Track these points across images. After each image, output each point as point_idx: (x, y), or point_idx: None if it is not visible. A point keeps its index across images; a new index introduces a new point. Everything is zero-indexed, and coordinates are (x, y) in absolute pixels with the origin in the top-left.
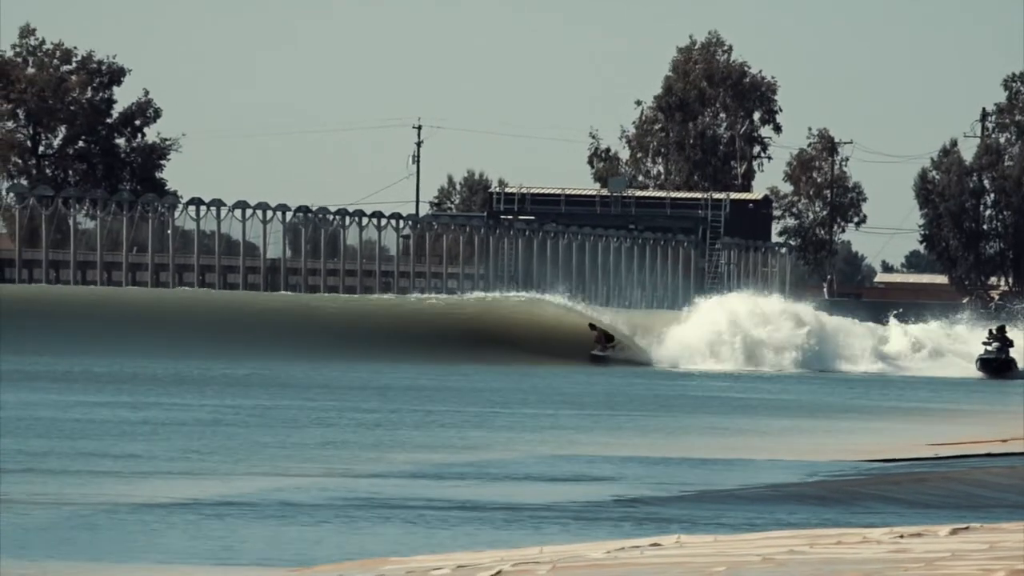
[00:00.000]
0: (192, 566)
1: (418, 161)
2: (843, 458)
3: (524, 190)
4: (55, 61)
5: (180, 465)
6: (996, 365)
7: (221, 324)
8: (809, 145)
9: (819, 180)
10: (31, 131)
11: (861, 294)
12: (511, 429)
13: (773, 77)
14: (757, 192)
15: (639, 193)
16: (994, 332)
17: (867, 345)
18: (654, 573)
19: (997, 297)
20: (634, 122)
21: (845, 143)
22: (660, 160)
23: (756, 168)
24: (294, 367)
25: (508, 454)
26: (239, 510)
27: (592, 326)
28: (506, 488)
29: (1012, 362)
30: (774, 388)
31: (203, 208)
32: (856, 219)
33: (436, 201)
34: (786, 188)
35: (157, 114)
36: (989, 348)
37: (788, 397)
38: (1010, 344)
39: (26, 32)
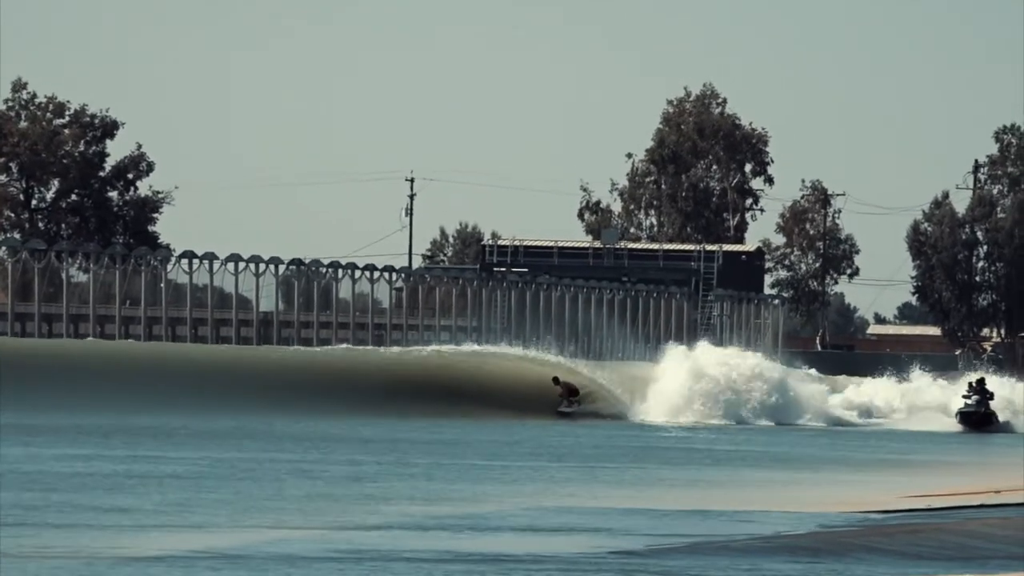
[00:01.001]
0: None
1: (411, 214)
2: (834, 509)
3: (517, 242)
4: (48, 115)
5: (170, 518)
6: (976, 418)
7: (213, 377)
8: (802, 197)
9: (812, 232)
10: (24, 184)
11: (854, 346)
12: (500, 482)
13: (764, 129)
14: (750, 244)
15: (632, 245)
16: (974, 384)
17: (829, 399)
18: None
19: (990, 349)
20: (627, 174)
21: (838, 195)
22: (653, 212)
23: (749, 220)
24: (284, 420)
25: (499, 506)
26: (232, 563)
27: (556, 380)
28: (500, 540)
29: (992, 415)
30: (758, 440)
31: (196, 261)
32: (849, 271)
33: (429, 254)
34: (779, 240)
35: (150, 167)
36: (969, 401)
37: (776, 449)
38: (990, 396)
39: (19, 86)
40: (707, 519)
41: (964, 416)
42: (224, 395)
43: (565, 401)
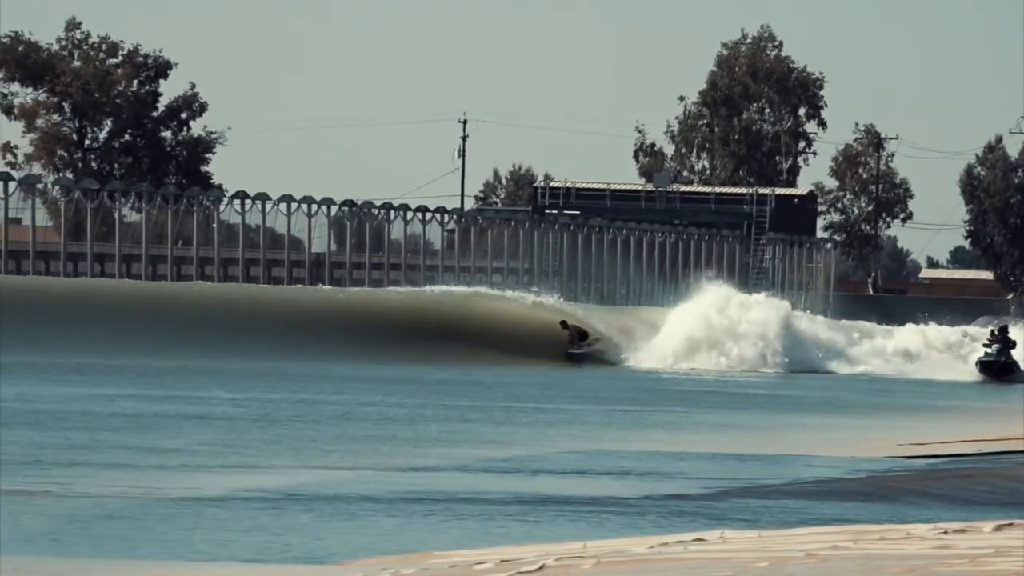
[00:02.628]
0: (232, 562)
1: (463, 155)
2: (884, 454)
3: (569, 184)
4: (101, 54)
5: (218, 459)
6: (996, 368)
7: (262, 318)
8: (855, 140)
9: (865, 176)
10: (77, 124)
11: (906, 290)
12: (536, 425)
13: (819, 72)
14: (802, 187)
15: (684, 188)
16: (996, 333)
17: (850, 347)
18: (698, 568)
19: None
20: (678, 117)
21: (891, 139)
22: (705, 155)
23: (801, 163)
24: (333, 361)
25: (540, 449)
26: (278, 505)
27: (564, 324)
28: (544, 483)
29: (1013, 364)
30: (788, 385)
31: (248, 202)
32: (902, 215)
33: (481, 195)
34: (831, 183)
35: (203, 108)
36: (989, 350)
37: (812, 394)
38: (1012, 345)
39: (72, 25)
40: (753, 463)
41: (984, 365)
42: (271, 335)
43: (575, 344)
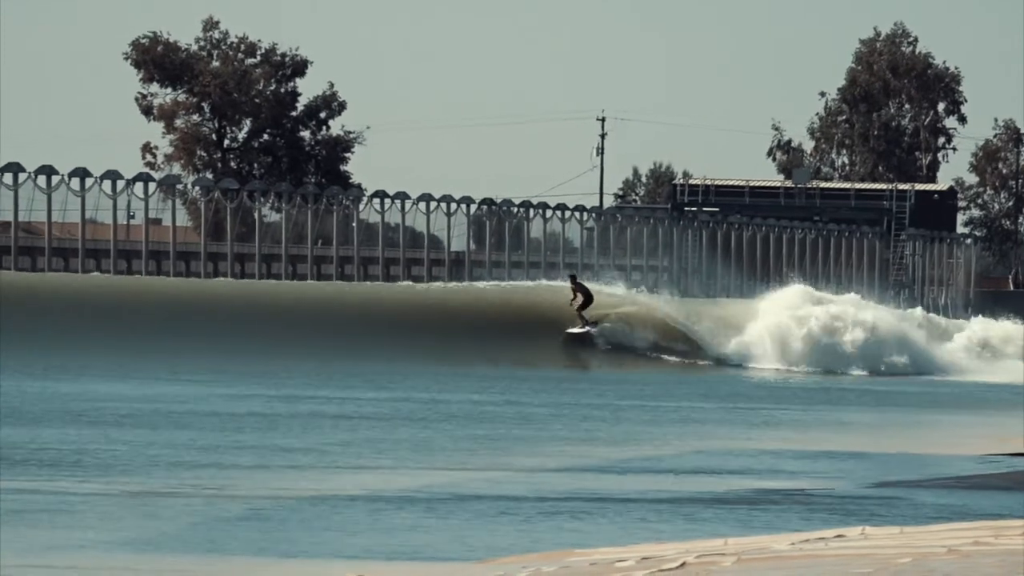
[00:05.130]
0: (376, 560)
1: (602, 153)
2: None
3: (708, 182)
4: (239, 54)
5: (357, 459)
6: None
7: (400, 317)
8: (994, 136)
9: (1004, 171)
10: (216, 124)
11: None
12: (655, 424)
13: (957, 68)
14: (942, 183)
15: (823, 184)
16: None
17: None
18: (839, 565)
19: None
20: (818, 113)
21: None
22: (844, 151)
23: (941, 159)
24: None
25: (666, 448)
26: (417, 505)
27: (573, 278)
28: (677, 481)
29: None
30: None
31: (387, 201)
32: None
33: (620, 193)
34: (971, 179)
35: (342, 107)
36: None
37: (937, 391)
38: None
39: (210, 25)
40: (889, 460)
41: None
42: (411, 334)
43: (578, 317)
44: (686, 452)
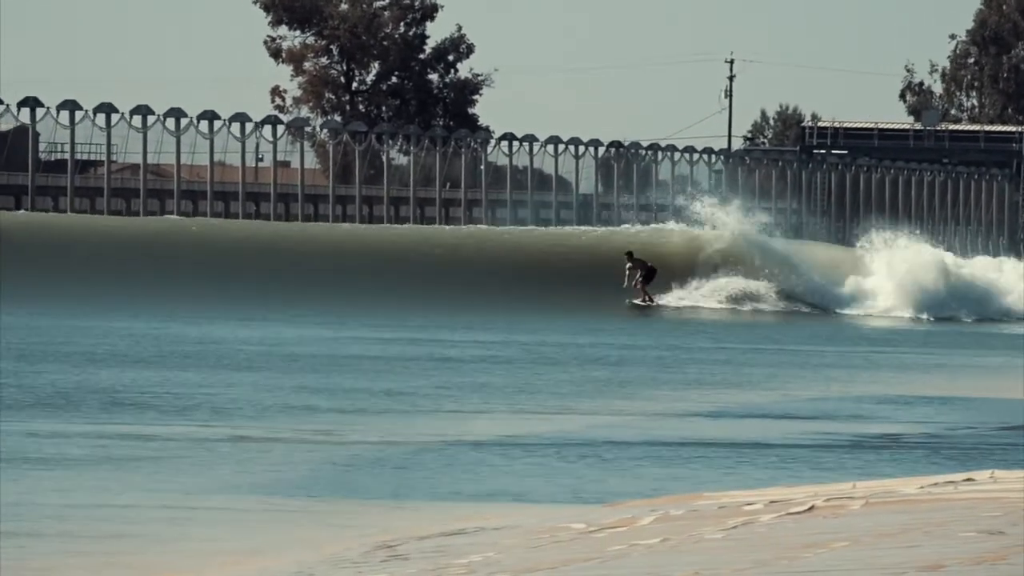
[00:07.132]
0: (504, 502)
1: (730, 96)
2: None
3: (837, 124)
4: None
5: (478, 404)
6: None
7: (523, 261)
8: None
9: None
10: (344, 67)
11: None
12: (777, 366)
13: None
14: None
15: (952, 127)
16: None
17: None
18: (968, 509)
19: None
20: (948, 56)
21: None
22: (974, 94)
23: None
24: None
25: (790, 392)
26: (545, 449)
27: (630, 255)
28: (803, 425)
29: None
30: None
31: (515, 144)
32: None
33: (748, 136)
34: None
35: (470, 50)
36: None
37: None
38: None
39: None
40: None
41: None
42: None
43: (641, 294)
44: (810, 398)
